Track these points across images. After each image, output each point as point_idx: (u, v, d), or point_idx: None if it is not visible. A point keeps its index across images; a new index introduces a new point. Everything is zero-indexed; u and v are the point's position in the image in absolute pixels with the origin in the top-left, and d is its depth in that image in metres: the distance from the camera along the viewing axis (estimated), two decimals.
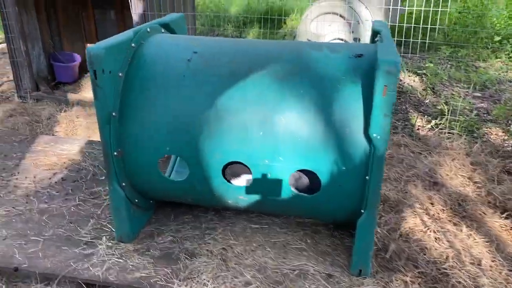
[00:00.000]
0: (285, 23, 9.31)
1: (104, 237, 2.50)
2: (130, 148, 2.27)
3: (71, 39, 5.80)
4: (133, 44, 2.33)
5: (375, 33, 2.52)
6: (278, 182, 2.13)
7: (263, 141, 2.10)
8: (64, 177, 3.14)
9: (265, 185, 2.16)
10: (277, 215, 2.69)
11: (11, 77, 5.99)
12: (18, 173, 3.20)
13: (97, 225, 2.63)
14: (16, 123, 4.28)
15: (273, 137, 2.09)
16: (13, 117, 4.47)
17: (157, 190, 2.43)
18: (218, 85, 2.19)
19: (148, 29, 2.49)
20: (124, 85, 2.25)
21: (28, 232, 2.56)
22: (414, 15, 6.76)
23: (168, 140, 2.23)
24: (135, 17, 4.32)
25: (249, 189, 2.22)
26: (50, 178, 3.13)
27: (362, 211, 2.11)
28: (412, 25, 5.38)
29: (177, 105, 2.21)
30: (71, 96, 4.89)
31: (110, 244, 2.44)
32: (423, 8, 4.93)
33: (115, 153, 2.26)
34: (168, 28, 2.73)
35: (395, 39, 5.00)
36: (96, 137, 4.08)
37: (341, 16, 4.32)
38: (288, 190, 2.16)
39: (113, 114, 2.20)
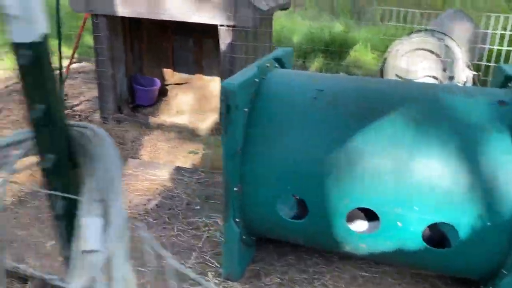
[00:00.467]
0: (349, 54, 9.25)
1: (209, 273, 2.43)
2: (250, 185, 2.21)
3: (150, 63, 5.96)
4: (256, 79, 2.30)
5: (508, 78, 2.37)
6: (410, 233, 2.00)
7: (397, 188, 1.98)
8: (158, 204, 3.13)
9: (394, 235, 2.03)
10: (391, 264, 2.54)
11: (87, 97, 6.23)
12: None
13: (199, 259, 2.57)
14: None
15: (409, 184, 1.97)
16: None
17: (272, 228, 2.34)
18: (347, 125, 2.11)
19: (268, 64, 2.46)
20: (248, 120, 2.21)
21: (133, 261, 2.53)
22: (491, 53, 6.53)
23: (290, 180, 2.15)
24: (223, 46, 4.37)
25: (374, 238, 2.09)
26: (145, 205, 3.13)
27: (504, 271, 1.94)
28: (492, 64, 5.18)
29: (302, 144, 2.14)
30: (152, 120, 4.96)
31: (217, 281, 2.37)
32: (494, 47, 4.74)
33: (235, 189, 2.21)
34: (279, 61, 2.70)
35: (481, 77, 4.83)
36: (179, 162, 4.08)
37: (433, 53, 4.19)
38: (419, 243, 2.01)
39: (238, 149, 2.16)
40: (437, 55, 4.17)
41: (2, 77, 6.80)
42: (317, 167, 2.09)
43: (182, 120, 5.17)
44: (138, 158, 4.11)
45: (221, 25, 4.25)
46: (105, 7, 4.48)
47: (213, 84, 6.30)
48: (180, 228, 2.85)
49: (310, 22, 11.23)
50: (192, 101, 5.82)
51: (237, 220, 2.28)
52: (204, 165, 3.90)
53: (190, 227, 2.87)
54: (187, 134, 4.74)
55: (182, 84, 6.30)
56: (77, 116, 5.39)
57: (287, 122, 2.19)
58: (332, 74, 4.74)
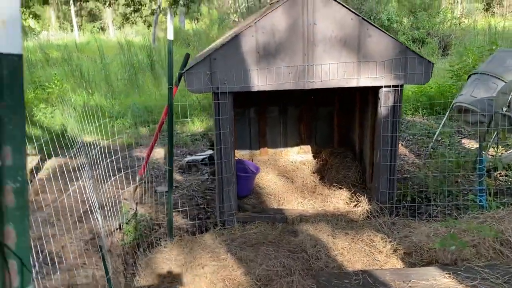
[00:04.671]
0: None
1: None
2: None
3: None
4: None
5: None
6: None
7: None
8: None
9: None
10: None
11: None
12: None
13: None
14: (280, 260, 3.23)
15: None
16: (250, 251, 3.41)
17: None
18: None
19: None
20: None
21: None
22: None
23: None
24: (384, 111, 3.73)
25: None
26: None
27: None
28: None
29: None
30: (287, 213, 3.96)
31: None
32: None
33: None
34: None
35: None
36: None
37: None
38: None
39: None
40: None
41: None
42: None
43: (305, 205, 4.26)
44: (344, 268, 3.13)
45: (386, 86, 3.63)
46: (241, 82, 3.51)
47: (285, 157, 5.48)
48: None
49: None
50: (278, 179, 4.92)
51: None
52: (445, 258, 3.12)
53: None
54: (341, 222, 3.87)
55: None
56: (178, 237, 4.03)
57: None
58: None
